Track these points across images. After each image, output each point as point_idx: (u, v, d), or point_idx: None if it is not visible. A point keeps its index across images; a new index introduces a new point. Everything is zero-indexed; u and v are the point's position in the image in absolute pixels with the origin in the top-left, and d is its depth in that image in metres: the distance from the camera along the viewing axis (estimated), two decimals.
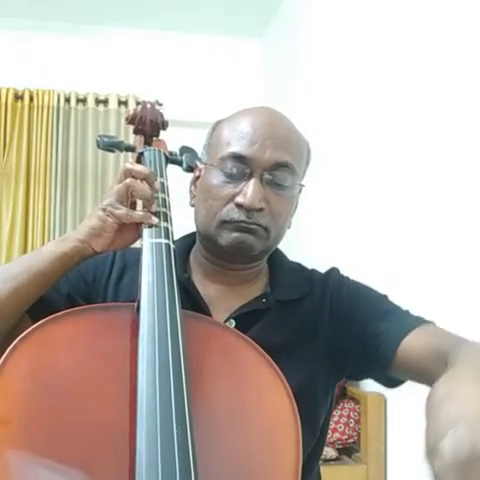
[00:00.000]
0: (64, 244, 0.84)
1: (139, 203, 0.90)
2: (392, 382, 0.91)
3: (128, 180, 0.85)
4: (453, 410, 0.52)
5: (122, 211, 0.84)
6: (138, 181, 0.85)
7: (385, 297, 0.96)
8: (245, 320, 0.90)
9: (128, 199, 0.85)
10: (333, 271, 1.01)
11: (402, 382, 0.91)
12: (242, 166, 0.87)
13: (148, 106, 1.02)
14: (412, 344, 0.84)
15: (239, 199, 0.86)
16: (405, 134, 1.99)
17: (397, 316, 0.90)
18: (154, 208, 0.87)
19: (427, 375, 0.78)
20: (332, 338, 0.93)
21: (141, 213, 0.85)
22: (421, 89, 1.90)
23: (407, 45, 2.01)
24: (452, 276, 1.69)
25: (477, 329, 1.32)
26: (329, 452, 2.21)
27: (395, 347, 0.85)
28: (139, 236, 0.88)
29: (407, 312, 0.92)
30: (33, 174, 3.50)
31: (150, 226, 0.85)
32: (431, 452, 0.51)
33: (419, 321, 0.88)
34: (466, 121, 1.65)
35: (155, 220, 0.86)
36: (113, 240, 0.86)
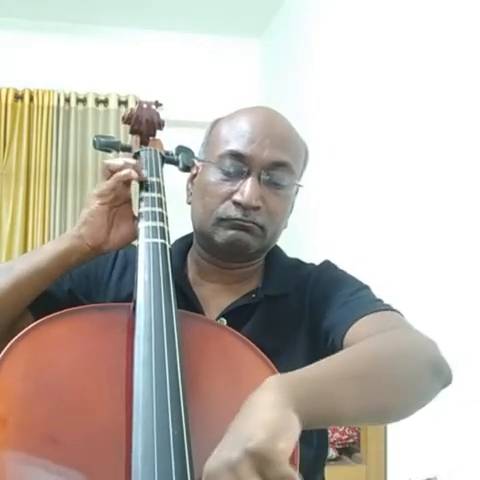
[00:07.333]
0: (62, 241, 0.86)
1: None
2: None
3: (104, 161, 0.87)
4: (233, 425, 0.55)
5: (102, 186, 0.85)
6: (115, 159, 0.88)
7: (363, 287, 0.90)
8: (236, 317, 0.89)
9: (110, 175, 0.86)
10: (323, 262, 0.98)
11: None
12: (240, 164, 0.87)
13: (144, 106, 1.02)
14: (356, 332, 0.78)
15: (236, 197, 0.86)
16: (408, 136, 1.99)
17: (357, 303, 0.83)
18: (143, 172, 0.88)
19: None
20: (310, 331, 0.89)
21: (117, 174, 0.85)
22: (423, 89, 1.90)
23: (408, 45, 2.01)
24: (452, 275, 1.69)
25: None
26: (329, 452, 2.21)
27: (342, 336, 0.80)
28: (136, 234, 0.87)
29: (378, 301, 0.86)
30: (33, 174, 3.49)
31: (147, 228, 0.85)
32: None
33: (376, 308, 0.82)
34: (472, 126, 1.65)
35: (134, 174, 0.85)
36: (108, 235, 0.86)
